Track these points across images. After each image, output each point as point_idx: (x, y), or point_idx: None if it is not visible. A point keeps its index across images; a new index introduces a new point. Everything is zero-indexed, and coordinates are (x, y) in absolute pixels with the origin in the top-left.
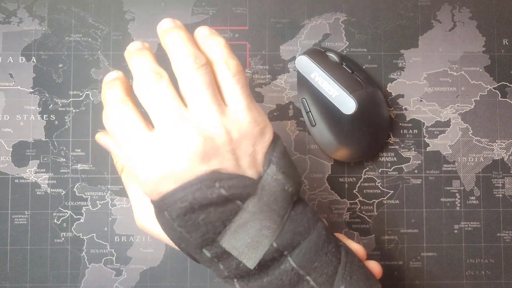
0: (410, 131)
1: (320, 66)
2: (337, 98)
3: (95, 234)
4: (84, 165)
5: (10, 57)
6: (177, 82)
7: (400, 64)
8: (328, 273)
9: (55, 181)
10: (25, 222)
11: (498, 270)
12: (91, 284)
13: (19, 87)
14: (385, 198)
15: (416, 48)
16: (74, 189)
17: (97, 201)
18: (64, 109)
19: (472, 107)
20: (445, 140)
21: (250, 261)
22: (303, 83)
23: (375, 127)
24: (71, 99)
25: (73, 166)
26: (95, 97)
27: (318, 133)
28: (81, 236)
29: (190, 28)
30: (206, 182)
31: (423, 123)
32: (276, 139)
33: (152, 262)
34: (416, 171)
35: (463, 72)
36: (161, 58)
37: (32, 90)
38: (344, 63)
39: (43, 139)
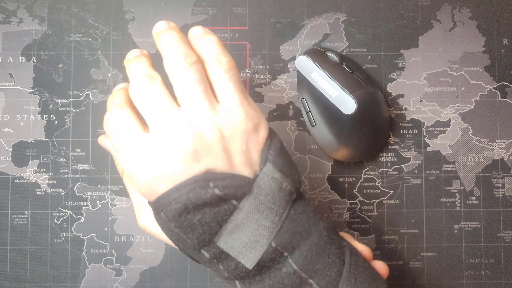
0: (410, 131)
1: (320, 66)
2: (337, 98)
3: (95, 234)
4: (84, 165)
5: (10, 57)
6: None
7: (400, 64)
8: (332, 275)
9: (55, 181)
10: (25, 222)
11: (498, 270)
12: (91, 284)
13: (19, 87)
14: (385, 198)
15: (416, 48)
16: (74, 189)
17: (97, 201)
18: (64, 109)
19: (472, 107)
20: (445, 140)
21: (249, 261)
22: (303, 83)
23: (375, 127)
24: (71, 99)
25: (73, 166)
26: (95, 97)
27: (318, 133)
28: (81, 236)
29: (190, 28)
30: (200, 182)
31: (423, 123)
32: (272, 136)
33: (152, 262)
34: (416, 171)
35: (463, 72)
36: (160, 58)
37: (32, 90)
38: (344, 63)
39: (43, 139)
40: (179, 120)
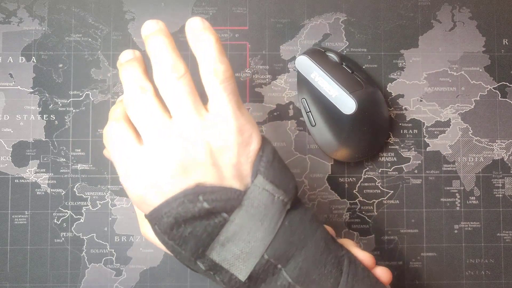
0: (410, 131)
1: (320, 66)
2: (337, 98)
3: (95, 234)
4: (84, 165)
5: (10, 57)
6: None
7: (400, 64)
8: (328, 286)
9: (55, 181)
10: (25, 222)
11: (498, 270)
12: (91, 284)
13: (19, 87)
14: (385, 198)
15: (416, 48)
16: (74, 189)
17: (97, 201)
18: (64, 109)
19: (472, 107)
20: (445, 140)
21: (242, 274)
22: (303, 83)
23: (375, 127)
24: (71, 99)
25: (73, 166)
26: (95, 97)
27: (318, 133)
28: (81, 236)
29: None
30: (190, 196)
31: (423, 123)
32: (264, 146)
33: (152, 262)
34: (416, 171)
35: (463, 72)
36: None
37: (32, 90)
38: (344, 63)
39: (43, 139)
40: (171, 131)
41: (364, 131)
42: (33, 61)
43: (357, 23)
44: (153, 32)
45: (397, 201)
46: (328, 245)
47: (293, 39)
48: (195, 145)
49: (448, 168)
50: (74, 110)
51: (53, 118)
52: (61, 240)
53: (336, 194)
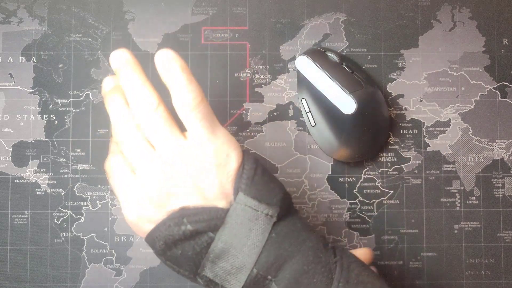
0: (410, 131)
1: (320, 66)
2: (337, 98)
3: (95, 234)
4: (84, 165)
5: (10, 57)
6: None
7: (400, 64)
8: None
9: (55, 181)
10: (25, 222)
11: (498, 270)
12: (91, 284)
13: (19, 87)
14: (385, 198)
15: (416, 48)
16: (74, 189)
17: (97, 201)
18: (64, 109)
19: (472, 107)
20: (445, 140)
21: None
22: (303, 83)
23: (375, 127)
24: (71, 99)
25: (73, 166)
26: (95, 97)
27: (318, 133)
28: (81, 236)
29: (190, 28)
30: (175, 220)
31: (423, 123)
32: (245, 162)
33: (152, 262)
34: (416, 171)
35: (463, 72)
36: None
37: (32, 90)
38: (344, 63)
39: (43, 139)
40: (154, 160)
41: (364, 131)
42: (33, 61)
43: (357, 23)
44: (122, 65)
45: (397, 201)
46: (317, 254)
47: (293, 39)
48: (175, 170)
49: (448, 168)
50: (74, 110)
51: (53, 118)
52: (61, 240)
53: (336, 194)
